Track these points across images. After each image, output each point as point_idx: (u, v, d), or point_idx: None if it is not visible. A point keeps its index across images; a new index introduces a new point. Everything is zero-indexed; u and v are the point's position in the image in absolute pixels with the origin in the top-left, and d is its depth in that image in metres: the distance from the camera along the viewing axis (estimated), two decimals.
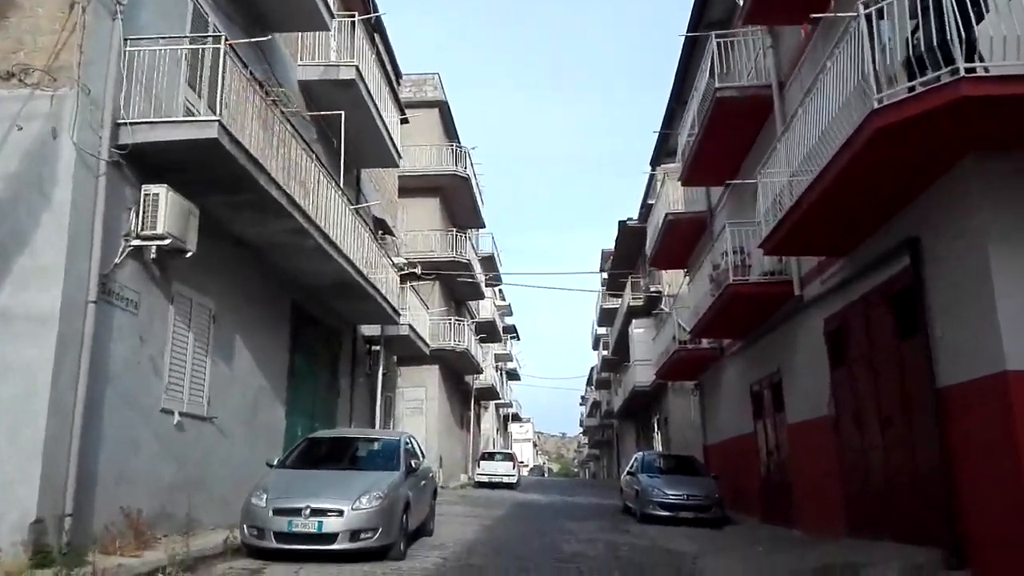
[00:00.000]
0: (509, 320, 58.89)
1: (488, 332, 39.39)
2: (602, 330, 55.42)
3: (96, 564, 7.04)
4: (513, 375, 59.25)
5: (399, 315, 17.03)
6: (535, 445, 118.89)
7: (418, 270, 20.45)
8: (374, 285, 14.60)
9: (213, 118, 8.61)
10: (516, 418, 68.86)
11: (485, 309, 40.19)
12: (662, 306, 27.79)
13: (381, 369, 18.05)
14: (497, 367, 46.82)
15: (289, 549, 8.69)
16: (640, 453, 18.86)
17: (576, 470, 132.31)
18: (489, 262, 37.06)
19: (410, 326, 18.79)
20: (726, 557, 10.63)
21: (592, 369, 66.81)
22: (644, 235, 30.25)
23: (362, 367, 18.15)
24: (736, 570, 9.50)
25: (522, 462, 53.90)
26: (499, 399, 46.49)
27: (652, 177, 29.18)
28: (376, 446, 11.16)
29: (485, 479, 29.68)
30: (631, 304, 30.99)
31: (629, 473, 17.70)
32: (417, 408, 27.94)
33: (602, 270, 54.14)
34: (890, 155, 7.55)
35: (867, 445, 10.13)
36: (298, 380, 13.90)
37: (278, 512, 8.73)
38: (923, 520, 8.64)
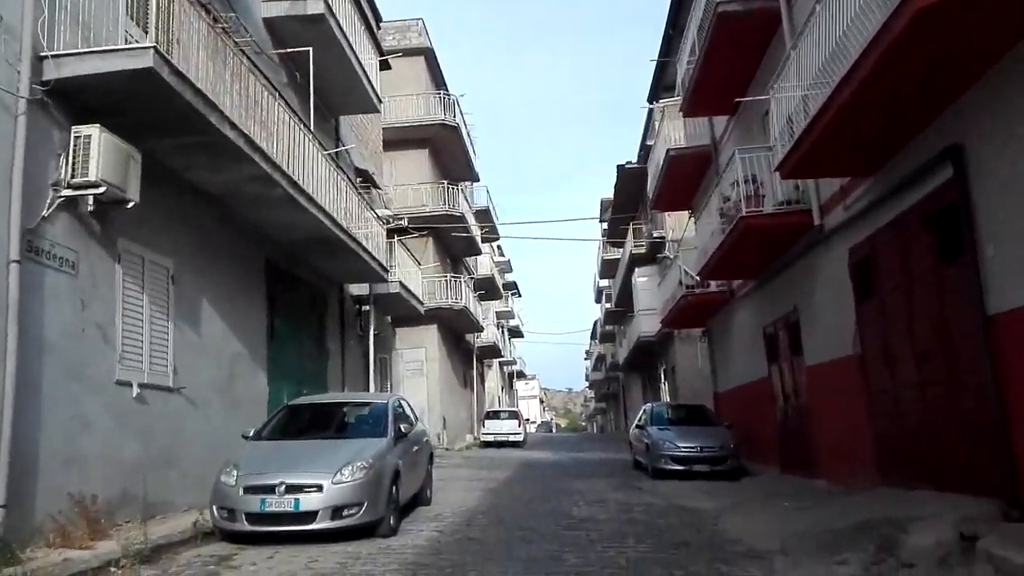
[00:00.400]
0: (509, 277, 57.89)
1: (487, 289, 38.37)
2: (604, 282, 54.45)
3: (32, 560, 6.13)
4: (516, 332, 58.50)
5: (388, 272, 16.01)
6: (542, 401, 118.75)
7: (404, 221, 19.33)
8: (356, 239, 13.54)
9: (147, 44, 7.47)
10: (521, 375, 68.19)
11: (483, 266, 39.15)
12: (666, 252, 26.73)
13: (372, 329, 17.08)
14: (499, 324, 45.92)
15: (264, 532, 7.78)
16: (648, 404, 17.96)
17: (584, 424, 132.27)
18: (485, 216, 35.77)
19: (400, 283, 17.76)
20: (749, 514, 9.73)
21: (595, 323, 65.98)
22: (644, 178, 29.08)
23: (353, 329, 17.19)
24: (762, 530, 8.58)
25: (528, 419, 53.40)
26: (502, 357, 45.69)
27: (650, 115, 27.88)
28: (361, 412, 10.22)
29: (491, 438, 28.95)
30: (633, 252, 29.90)
31: (638, 426, 16.84)
32: (417, 370, 27.07)
33: (602, 220, 52.99)
34: (933, 43, 6.42)
35: (900, 384, 9.16)
36: (280, 344, 12.92)
37: (249, 490, 7.80)
38: (971, 466, 7.71)
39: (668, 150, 17.90)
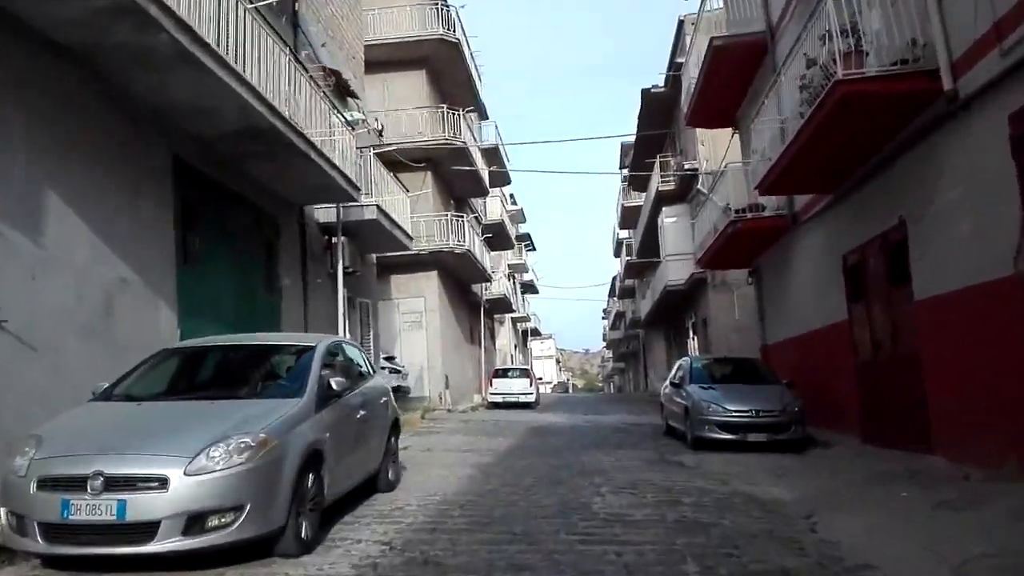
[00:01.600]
0: (523, 229, 54.41)
1: (496, 236, 35.00)
2: (624, 233, 51.03)
3: None
4: (530, 287, 55.02)
5: (358, 190, 12.66)
6: (558, 362, 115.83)
7: (379, 125, 15.93)
8: (302, 133, 10.19)
9: None
10: (536, 334, 64.43)
11: (493, 212, 35.78)
12: (699, 185, 23.24)
13: (342, 263, 13.77)
14: (510, 276, 42.44)
15: (69, 556, 4.62)
16: (686, 359, 14.57)
17: (601, 385, 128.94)
18: (494, 158, 32.04)
19: (378, 207, 14.39)
20: (858, 512, 6.48)
21: (614, 278, 62.61)
22: (672, 103, 25.58)
23: (321, 265, 13.95)
24: (898, 544, 5.35)
25: (541, 379, 50.38)
26: (513, 311, 42.16)
27: (680, 29, 24.23)
28: (276, 359, 6.96)
29: (499, 399, 25.79)
30: (660, 188, 26.35)
31: (672, 384, 13.56)
32: (415, 322, 23.93)
33: (622, 167, 49.27)
34: None
35: None
36: (202, 273, 9.71)
37: (46, 484, 4.62)
38: None
39: (712, 39, 14.26)
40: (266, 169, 10.87)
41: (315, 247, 13.55)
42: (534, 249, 59.18)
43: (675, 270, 25.81)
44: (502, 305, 36.49)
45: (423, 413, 18.42)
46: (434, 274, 24.01)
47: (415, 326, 23.92)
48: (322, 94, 11.43)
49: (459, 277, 26.68)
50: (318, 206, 13.54)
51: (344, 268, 13.83)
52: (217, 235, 10.23)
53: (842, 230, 11.27)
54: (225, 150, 10.00)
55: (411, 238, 16.77)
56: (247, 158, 10.37)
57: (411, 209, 23.97)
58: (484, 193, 29.67)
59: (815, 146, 9.24)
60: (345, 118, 12.58)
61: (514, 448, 12.38)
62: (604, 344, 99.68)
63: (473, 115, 29.32)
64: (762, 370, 13.33)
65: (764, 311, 16.53)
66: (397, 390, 20.84)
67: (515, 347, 50.49)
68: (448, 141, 23.20)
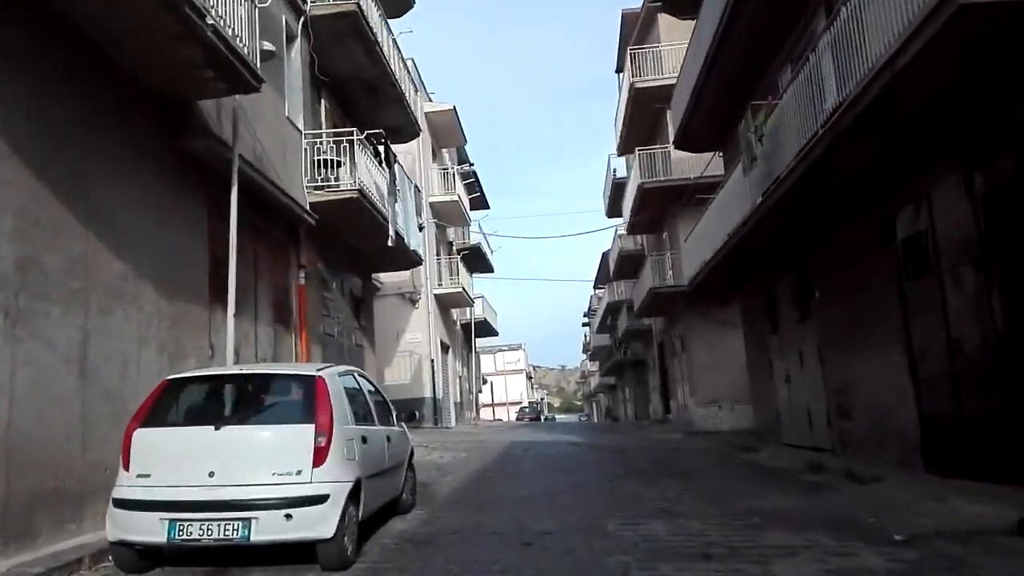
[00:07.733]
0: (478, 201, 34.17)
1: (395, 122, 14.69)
2: (622, 168, 31.53)
3: None
4: (476, 257, 34.36)
5: None
6: (530, 377, 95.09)
7: None
8: None
9: None
10: (488, 332, 39.50)
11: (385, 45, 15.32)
12: None
13: None
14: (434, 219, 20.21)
15: None
16: None
17: (580, 404, 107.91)
18: None
19: None
20: None
21: (603, 255, 42.89)
22: None
23: None
24: None
25: (483, 405, 30.06)
26: (410, 254, 17.29)
27: None
28: None
29: (136, 536, 4.88)
30: None
31: None
32: None
33: (620, 68, 29.61)
34: None
35: None
36: None
37: None
38: None
39: None
40: None
41: None
42: (487, 205, 38.68)
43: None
44: (355, 214, 14.06)
45: None
46: None
47: None
48: None
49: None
50: None
51: None
52: None
53: None
54: None
55: None
56: None
57: None
58: None
59: None
60: None
61: None
62: (586, 354, 79.11)
63: None
64: None
65: None
66: None
67: (446, 351, 29.76)
68: None
